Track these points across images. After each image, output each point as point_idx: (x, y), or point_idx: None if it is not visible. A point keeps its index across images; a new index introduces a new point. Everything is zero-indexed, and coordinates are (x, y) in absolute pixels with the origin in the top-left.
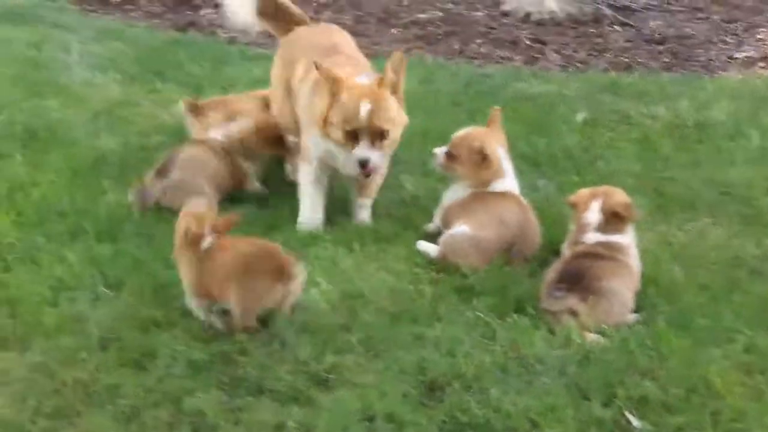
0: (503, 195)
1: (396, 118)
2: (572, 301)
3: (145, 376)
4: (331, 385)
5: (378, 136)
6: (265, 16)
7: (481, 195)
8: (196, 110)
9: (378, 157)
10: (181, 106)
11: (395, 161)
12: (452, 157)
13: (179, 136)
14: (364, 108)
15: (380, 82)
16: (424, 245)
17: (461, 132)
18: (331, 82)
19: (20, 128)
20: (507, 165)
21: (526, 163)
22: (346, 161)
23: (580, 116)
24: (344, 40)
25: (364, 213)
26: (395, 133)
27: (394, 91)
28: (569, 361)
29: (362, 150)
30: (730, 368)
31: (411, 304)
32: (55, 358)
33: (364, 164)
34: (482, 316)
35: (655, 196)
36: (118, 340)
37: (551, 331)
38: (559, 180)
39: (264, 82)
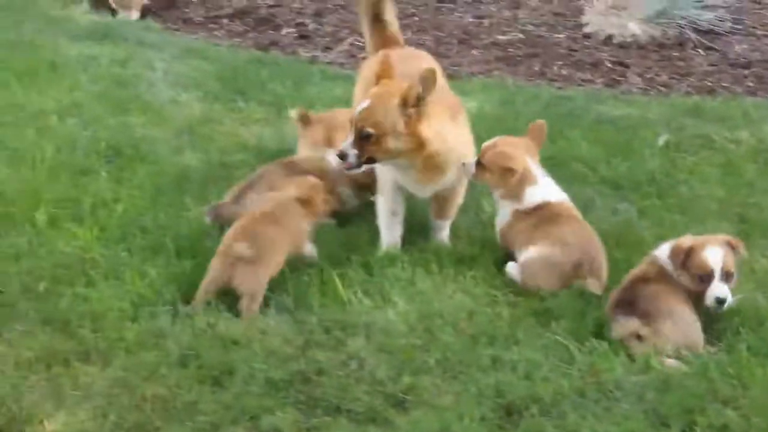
0: (560, 214)
1: (387, 125)
2: (635, 324)
3: (224, 393)
4: (408, 407)
5: (360, 135)
6: (369, 18)
7: (537, 215)
8: (306, 121)
9: (354, 158)
10: (293, 115)
11: (474, 183)
12: (482, 167)
13: (260, 153)
14: (361, 105)
15: (404, 90)
16: (511, 269)
17: (490, 141)
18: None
19: (105, 145)
20: (538, 172)
21: (607, 186)
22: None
23: (662, 140)
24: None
25: (442, 234)
26: (388, 141)
27: (414, 104)
28: (648, 387)
29: (344, 144)
30: None
31: (489, 326)
32: (135, 374)
33: (341, 157)
34: (560, 339)
35: (738, 222)
36: (196, 356)
37: (630, 356)
38: (640, 204)
39: (344, 101)
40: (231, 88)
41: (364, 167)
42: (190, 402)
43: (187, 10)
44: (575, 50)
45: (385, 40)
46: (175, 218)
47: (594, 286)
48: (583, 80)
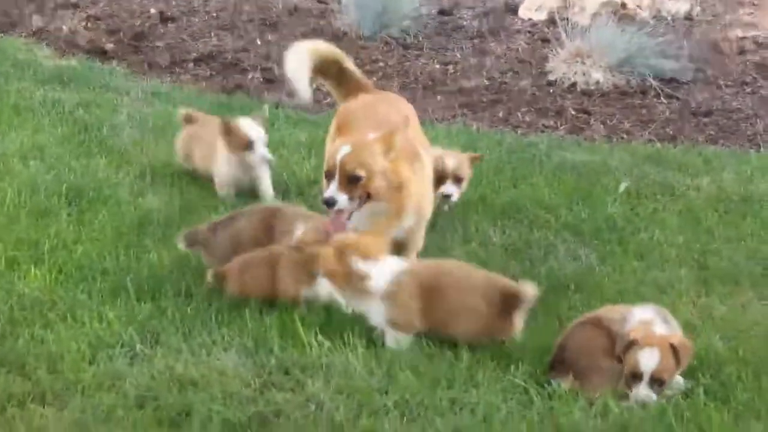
0: None
1: (375, 166)
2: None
3: None
4: None
5: (347, 179)
6: (325, 75)
7: None
8: (190, 120)
9: (345, 202)
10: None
11: (440, 228)
12: None
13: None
14: (342, 151)
15: (385, 134)
16: None
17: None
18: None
19: (66, 187)
20: None
21: (568, 232)
22: None
23: (623, 186)
24: (410, 112)
25: None
26: (375, 183)
27: (389, 148)
28: None
29: (329, 190)
30: None
31: (448, 368)
32: (92, 415)
33: (328, 204)
34: (519, 382)
35: (697, 269)
36: (154, 398)
37: (589, 401)
38: (601, 250)
39: (308, 145)
40: None
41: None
42: None
43: (152, 55)
44: (539, 97)
45: (353, 88)
46: (136, 260)
47: None
48: (546, 127)
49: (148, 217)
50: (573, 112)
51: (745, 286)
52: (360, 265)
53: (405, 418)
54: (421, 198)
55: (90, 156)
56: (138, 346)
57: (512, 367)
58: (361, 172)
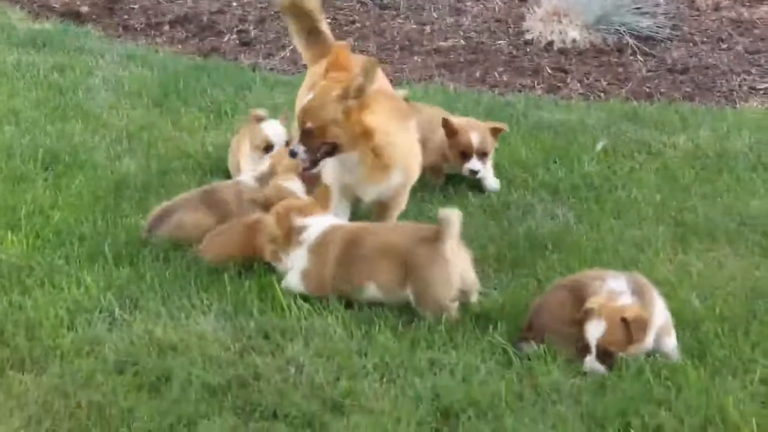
0: None
1: (325, 116)
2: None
3: (160, 400)
4: (346, 411)
5: (303, 131)
6: (297, 23)
7: None
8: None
9: (303, 153)
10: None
11: (416, 188)
12: None
13: (201, 160)
14: (302, 102)
15: (344, 81)
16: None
17: None
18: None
19: (42, 152)
20: None
21: (546, 191)
22: None
23: (600, 145)
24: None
25: None
26: (328, 132)
27: (355, 95)
28: (585, 390)
29: (294, 142)
30: (747, 399)
31: (427, 330)
32: (71, 381)
33: (292, 155)
34: (498, 342)
35: (674, 226)
36: (133, 363)
37: (568, 359)
38: (578, 209)
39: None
40: (171, 95)
41: (320, 164)
42: (126, 409)
43: (127, 17)
44: (516, 56)
45: (324, 51)
46: (113, 225)
47: None
48: (523, 86)
49: (125, 181)
50: (550, 71)
51: (721, 242)
52: (299, 220)
53: (384, 379)
54: (409, 156)
55: (65, 120)
56: (117, 311)
57: (491, 328)
58: (311, 124)
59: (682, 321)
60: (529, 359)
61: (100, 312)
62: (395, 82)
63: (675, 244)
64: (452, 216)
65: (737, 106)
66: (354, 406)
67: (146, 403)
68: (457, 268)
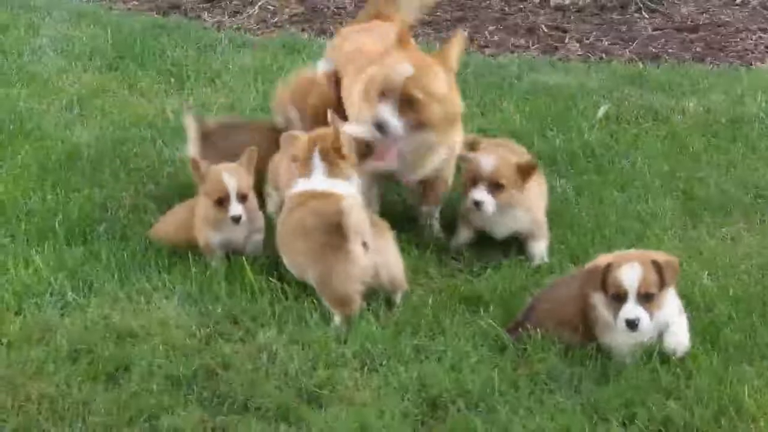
0: None
1: (437, 90)
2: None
3: (119, 391)
4: (324, 402)
5: (408, 100)
6: None
7: None
8: None
9: (399, 129)
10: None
11: None
12: None
13: (161, 128)
14: (402, 69)
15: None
16: None
17: None
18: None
19: None
20: None
21: (542, 161)
22: None
23: (602, 111)
24: None
25: (433, 221)
26: (435, 107)
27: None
28: (586, 378)
29: (382, 110)
30: (763, 388)
31: (413, 314)
32: (19, 371)
33: (380, 128)
34: (490, 327)
35: (684, 199)
36: (89, 351)
37: (567, 346)
38: (577, 180)
39: (255, 71)
40: (127, 57)
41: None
42: (80, 401)
43: None
44: (509, 14)
45: (380, 12)
46: (64, 200)
47: None
48: (516, 46)
49: (77, 151)
50: (546, 30)
51: (735, 217)
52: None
53: (365, 368)
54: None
55: (9, 85)
56: (69, 294)
57: (482, 311)
58: (421, 95)
59: (692, 303)
60: (525, 345)
61: (51, 295)
62: None
63: (684, 219)
64: (346, 207)
65: (752, 66)
66: (332, 397)
67: (103, 394)
68: (363, 262)
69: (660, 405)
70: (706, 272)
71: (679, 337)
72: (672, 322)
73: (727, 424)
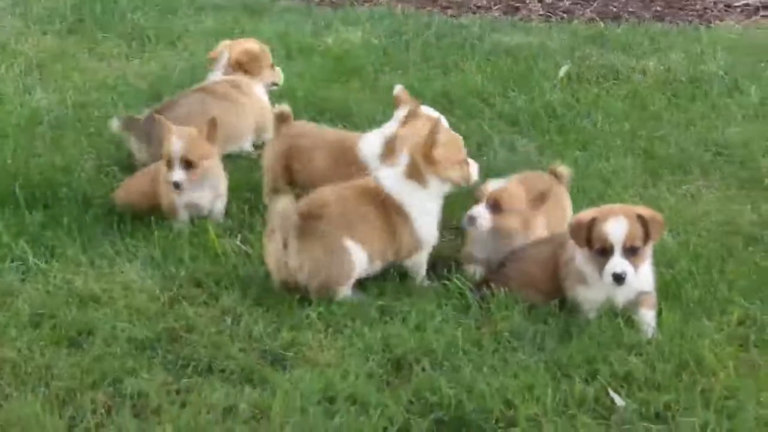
0: None
1: None
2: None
3: (81, 356)
4: (288, 364)
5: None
6: None
7: None
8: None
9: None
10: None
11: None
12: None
13: (123, 92)
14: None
15: None
16: None
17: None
18: None
19: None
20: None
21: (504, 121)
22: None
23: (563, 70)
24: None
25: None
26: None
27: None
28: (548, 336)
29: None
30: (723, 342)
31: (377, 276)
32: None
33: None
34: (455, 285)
35: (644, 158)
36: (51, 316)
37: (530, 305)
38: (540, 140)
39: (217, 33)
40: (87, 20)
41: None
42: (43, 366)
43: None
44: None
45: None
46: (24, 165)
47: None
48: (478, 7)
49: (36, 116)
50: None
51: (695, 174)
52: None
53: (330, 329)
54: None
55: None
56: (31, 260)
57: (446, 271)
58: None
59: (654, 260)
60: (489, 304)
61: (12, 261)
62: (336, 4)
63: (645, 177)
64: (278, 206)
65: (712, 25)
66: (297, 358)
67: (66, 359)
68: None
69: (622, 361)
70: (667, 229)
71: (652, 326)
72: (648, 292)
73: (687, 378)
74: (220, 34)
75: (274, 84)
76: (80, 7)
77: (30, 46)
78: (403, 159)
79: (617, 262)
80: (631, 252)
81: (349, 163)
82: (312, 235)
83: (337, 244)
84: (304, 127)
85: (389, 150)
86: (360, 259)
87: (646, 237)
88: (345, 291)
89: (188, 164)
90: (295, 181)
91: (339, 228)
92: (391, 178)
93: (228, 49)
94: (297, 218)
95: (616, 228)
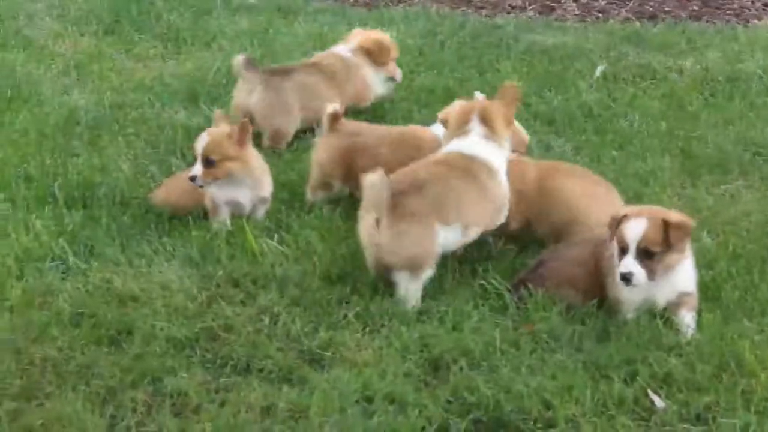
0: None
1: None
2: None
3: (121, 355)
4: (326, 364)
5: None
6: None
7: None
8: None
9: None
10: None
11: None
12: None
13: (159, 93)
14: None
15: None
16: None
17: None
18: None
19: None
20: None
21: (540, 121)
22: None
23: (599, 70)
24: None
25: None
26: None
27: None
28: (587, 337)
29: None
30: (764, 343)
31: None
32: (22, 335)
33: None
34: (492, 286)
35: (682, 158)
36: (91, 315)
37: (568, 305)
38: (576, 140)
39: (252, 34)
40: (124, 21)
41: None
42: (83, 365)
43: None
44: None
45: None
46: (63, 165)
47: None
48: (513, 7)
49: (74, 116)
50: None
51: (733, 174)
52: None
53: (367, 329)
54: None
55: (5, 50)
56: (71, 259)
57: (481, 270)
58: None
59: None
60: (526, 304)
61: (53, 260)
62: (371, 5)
63: (683, 177)
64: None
65: (749, 24)
66: (335, 358)
67: (106, 358)
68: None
69: (661, 361)
70: (706, 230)
71: (692, 327)
72: (690, 293)
73: (727, 380)
74: (255, 35)
75: (392, 79)
76: (116, 9)
77: (67, 48)
78: (475, 126)
79: (626, 263)
80: (645, 254)
81: (411, 157)
82: (403, 213)
83: (427, 223)
84: (358, 125)
85: (462, 120)
86: (448, 238)
87: (666, 242)
88: (429, 272)
89: (209, 162)
90: (352, 177)
91: (430, 207)
92: (476, 144)
93: (359, 37)
94: (389, 195)
95: (633, 229)
